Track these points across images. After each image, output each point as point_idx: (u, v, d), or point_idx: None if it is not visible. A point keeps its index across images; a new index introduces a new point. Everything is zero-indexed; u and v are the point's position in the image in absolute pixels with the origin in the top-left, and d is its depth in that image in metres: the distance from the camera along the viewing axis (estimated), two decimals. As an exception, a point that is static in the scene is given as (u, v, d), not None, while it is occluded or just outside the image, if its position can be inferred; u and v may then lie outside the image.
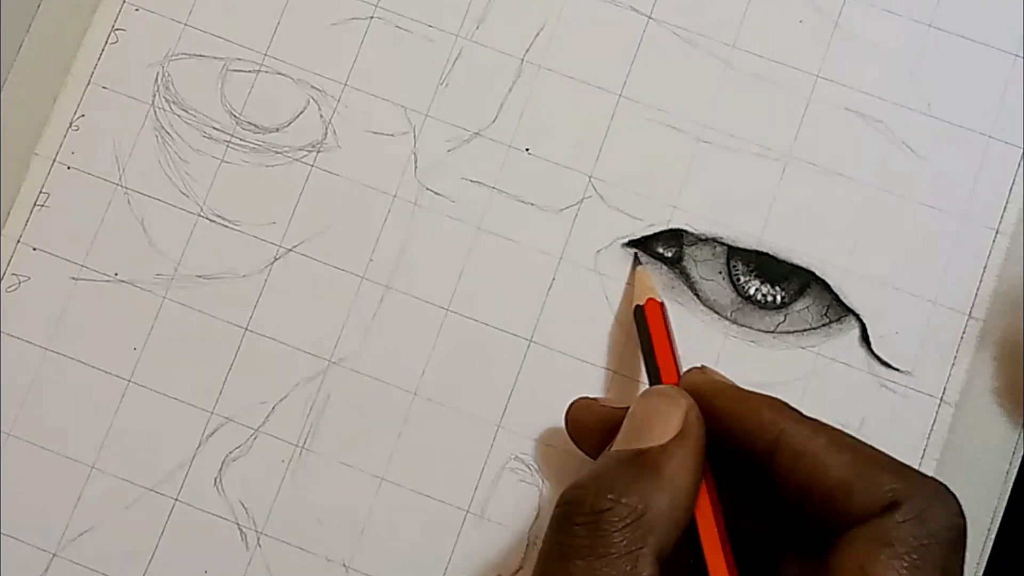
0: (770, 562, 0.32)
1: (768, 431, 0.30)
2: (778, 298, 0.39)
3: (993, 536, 0.38)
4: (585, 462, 0.37)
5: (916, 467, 0.31)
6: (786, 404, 0.31)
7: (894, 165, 0.39)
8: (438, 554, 0.38)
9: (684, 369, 0.35)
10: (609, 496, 0.29)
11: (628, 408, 0.34)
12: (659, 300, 0.37)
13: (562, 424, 0.38)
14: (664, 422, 0.31)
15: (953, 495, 0.29)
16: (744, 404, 0.32)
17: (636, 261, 0.39)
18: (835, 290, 0.39)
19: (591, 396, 0.37)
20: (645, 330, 0.36)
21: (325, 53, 0.40)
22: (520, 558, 0.38)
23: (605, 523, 0.29)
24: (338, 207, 0.40)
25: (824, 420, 0.37)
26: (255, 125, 0.40)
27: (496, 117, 0.40)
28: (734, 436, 0.31)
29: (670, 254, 0.39)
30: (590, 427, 0.36)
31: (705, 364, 0.34)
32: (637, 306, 0.37)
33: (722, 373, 0.34)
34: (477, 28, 0.40)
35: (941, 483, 0.30)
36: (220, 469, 0.39)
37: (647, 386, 0.35)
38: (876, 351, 0.38)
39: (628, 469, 0.30)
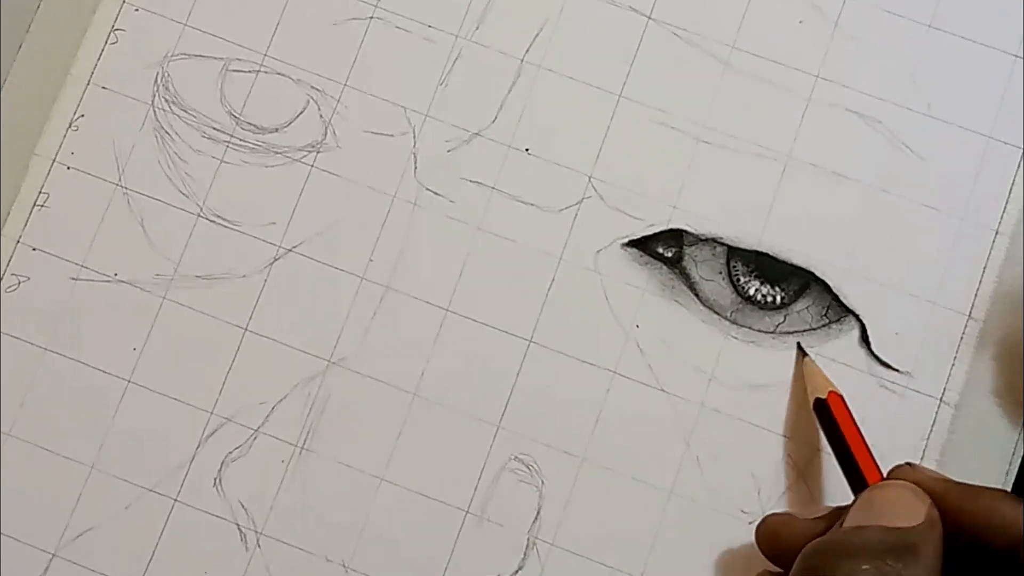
0: None
1: (1010, 528, 0.31)
2: (778, 298, 0.39)
3: (993, 536, 0.38)
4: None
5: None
6: (1019, 498, 0.31)
7: (894, 165, 0.39)
8: (438, 554, 0.38)
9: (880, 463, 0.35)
10: (867, 561, 0.29)
11: (828, 520, 0.34)
12: (839, 392, 0.37)
13: (562, 423, 0.38)
14: (910, 509, 0.31)
15: None
16: (977, 501, 0.32)
17: (801, 352, 0.38)
18: (835, 291, 0.39)
19: (783, 512, 0.36)
20: (833, 424, 0.36)
21: (325, 53, 0.40)
22: (519, 559, 0.38)
23: None
24: (338, 207, 0.40)
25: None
26: (255, 125, 0.40)
27: (496, 117, 0.40)
28: (967, 534, 0.31)
29: (670, 254, 0.39)
30: (792, 541, 0.34)
31: (911, 461, 0.34)
32: (819, 399, 0.37)
33: (932, 469, 0.34)
34: (477, 28, 0.40)
35: None
36: (220, 469, 0.39)
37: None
38: (876, 352, 0.38)
39: (883, 540, 0.30)
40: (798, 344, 0.38)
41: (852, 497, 0.34)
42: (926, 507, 0.31)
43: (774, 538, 0.35)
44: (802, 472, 0.38)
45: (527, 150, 0.40)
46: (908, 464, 0.34)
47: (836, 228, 0.39)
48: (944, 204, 0.39)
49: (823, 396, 0.36)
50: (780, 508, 0.38)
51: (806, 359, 0.38)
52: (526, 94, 0.40)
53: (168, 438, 0.39)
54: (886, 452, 0.36)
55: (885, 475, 0.34)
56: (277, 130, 0.40)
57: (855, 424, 0.36)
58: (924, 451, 0.38)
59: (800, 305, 0.39)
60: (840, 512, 0.34)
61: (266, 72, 0.40)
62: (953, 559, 0.32)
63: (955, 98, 0.39)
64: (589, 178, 0.39)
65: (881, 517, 0.31)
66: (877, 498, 0.33)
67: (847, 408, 0.36)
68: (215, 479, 0.39)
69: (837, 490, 0.37)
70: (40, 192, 0.40)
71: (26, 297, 0.40)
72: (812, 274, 0.39)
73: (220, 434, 0.39)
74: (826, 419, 0.36)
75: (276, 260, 0.39)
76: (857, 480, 0.35)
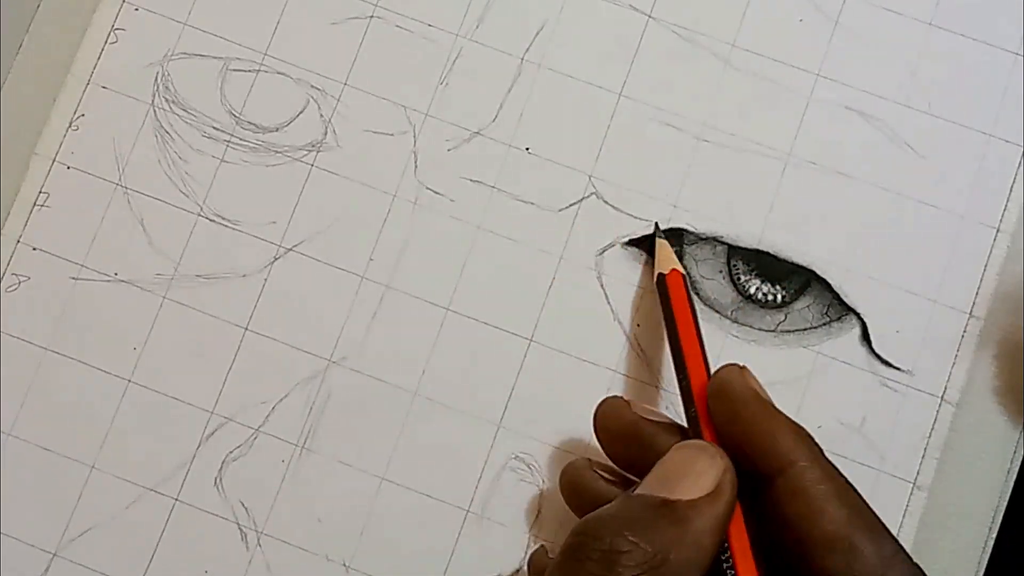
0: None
1: (778, 458, 0.30)
2: (779, 297, 0.39)
3: (994, 536, 0.38)
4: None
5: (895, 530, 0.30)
6: (809, 437, 0.31)
7: (894, 164, 0.39)
8: (438, 554, 0.38)
9: (705, 341, 0.35)
10: (629, 537, 0.29)
11: (656, 418, 0.34)
12: (681, 271, 0.36)
13: (562, 423, 0.38)
14: (698, 477, 0.30)
15: None
16: (766, 423, 0.31)
17: (656, 230, 0.39)
18: (836, 289, 0.39)
19: (621, 397, 0.36)
20: (667, 301, 0.36)
21: (325, 53, 0.40)
22: (520, 558, 0.38)
23: (620, 563, 0.28)
24: (338, 207, 0.40)
25: (825, 419, 0.37)
26: (255, 125, 0.40)
27: (496, 116, 0.40)
28: (745, 450, 0.31)
29: (670, 253, 0.39)
30: (617, 432, 0.35)
31: (746, 366, 0.33)
32: (660, 274, 0.37)
33: (759, 381, 0.33)
34: (477, 27, 0.40)
35: (922, 572, 0.29)
36: (220, 469, 0.39)
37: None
38: (877, 350, 0.38)
39: (654, 515, 0.30)
40: (655, 224, 0.39)
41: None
42: (718, 474, 0.30)
43: (604, 423, 0.35)
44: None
45: (527, 149, 0.40)
46: (739, 365, 0.33)
47: (837, 226, 0.39)
48: (945, 202, 0.39)
49: (665, 272, 0.36)
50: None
51: (659, 240, 0.38)
52: (526, 93, 0.40)
53: (168, 438, 0.39)
54: (887, 450, 0.36)
55: (713, 370, 0.34)
56: (277, 129, 0.40)
57: (690, 306, 0.36)
58: (925, 449, 0.38)
59: (801, 304, 0.39)
60: (670, 427, 0.34)
61: (266, 71, 0.40)
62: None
63: (955, 96, 0.39)
64: (589, 177, 0.39)
65: (666, 485, 0.30)
66: (669, 461, 0.31)
67: (686, 289, 0.36)
68: (216, 479, 0.39)
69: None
70: (40, 192, 0.40)
71: (26, 297, 0.40)
72: (813, 272, 0.39)
73: (220, 434, 0.39)
74: (664, 298, 0.36)
75: (276, 259, 0.39)
76: (680, 368, 0.34)
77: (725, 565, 0.30)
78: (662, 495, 0.30)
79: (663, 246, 0.38)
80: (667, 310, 0.36)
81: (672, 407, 0.38)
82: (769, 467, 0.30)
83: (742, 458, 0.31)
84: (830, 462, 0.31)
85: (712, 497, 0.30)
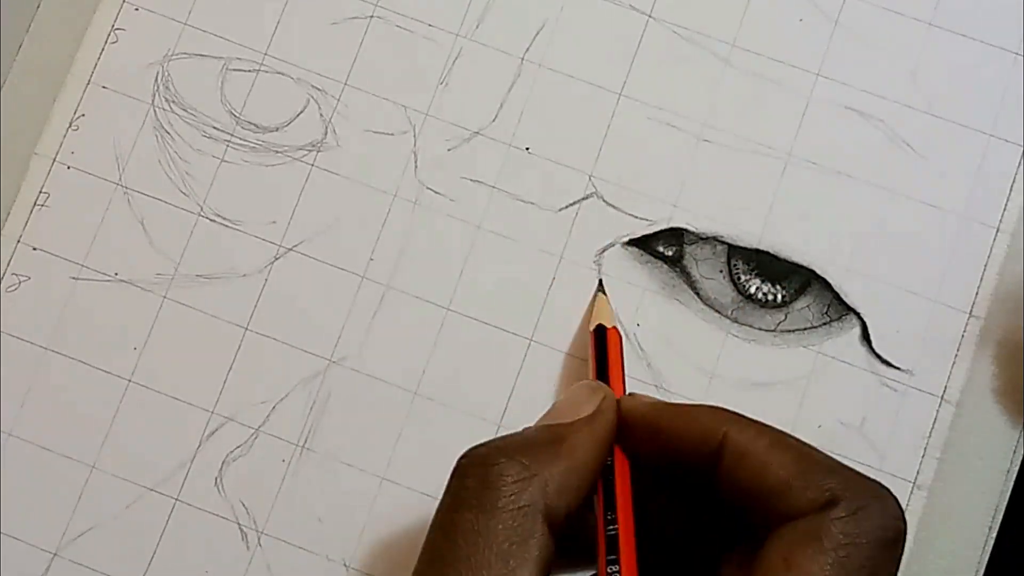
0: (714, 566, 0.32)
1: (712, 436, 0.31)
2: (779, 297, 0.39)
3: (994, 536, 0.38)
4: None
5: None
6: (728, 409, 0.32)
7: (895, 163, 0.39)
8: (439, 553, 0.38)
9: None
10: (503, 455, 0.30)
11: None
12: (619, 332, 0.37)
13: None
14: (580, 406, 0.32)
15: (894, 498, 0.29)
16: (686, 415, 0.32)
17: (600, 288, 0.39)
18: (836, 289, 0.39)
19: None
20: (603, 351, 0.36)
21: (325, 52, 0.40)
22: (521, 557, 0.38)
23: (495, 476, 0.29)
24: (338, 206, 0.40)
25: (825, 419, 0.37)
26: (255, 124, 0.40)
27: (496, 116, 0.40)
28: (679, 448, 0.31)
29: (671, 253, 0.39)
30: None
31: (633, 391, 0.35)
32: (600, 325, 0.37)
33: (652, 397, 0.34)
34: (477, 27, 0.40)
35: (882, 485, 0.30)
36: (221, 469, 0.39)
37: None
38: (877, 349, 0.38)
39: (531, 438, 0.31)
40: (599, 282, 0.39)
41: None
42: (597, 401, 0.32)
43: None
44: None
45: (527, 149, 0.40)
46: (629, 395, 0.34)
47: (837, 226, 0.39)
48: (945, 202, 0.39)
49: (607, 325, 0.37)
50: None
51: (600, 296, 0.39)
52: (526, 93, 0.40)
53: (169, 437, 0.39)
54: (887, 449, 0.36)
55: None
56: (277, 129, 0.40)
57: (622, 360, 0.36)
58: (925, 449, 0.38)
59: (801, 303, 0.39)
60: None
61: (266, 71, 0.40)
62: (670, 476, 0.32)
63: (956, 96, 0.39)
64: (589, 177, 0.39)
65: (550, 417, 0.32)
66: (558, 400, 0.33)
67: (620, 347, 0.37)
68: (216, 478, 0.39)
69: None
70: (40, 192, 0.40)
71: (26, 297, 0.40)
72: (813, 272, 0.39)
73: (221, 433, 0.39)
74: (599, 348, 0.37)
75: (277, 259, 0.39)
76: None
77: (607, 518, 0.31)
78: (547, 421, 0.32)
79: (606, 301, 0.39)
80: (601, 364, 0.36)
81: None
82: (708, 449, 0.31)
83: (682, 459, 0.31)
84: (758, 421, 0.31)
85: (589, 418, 0.31)
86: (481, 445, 0.31)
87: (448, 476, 0.30)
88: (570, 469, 0.30)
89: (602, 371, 0.36)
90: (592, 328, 0.37)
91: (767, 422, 0.31)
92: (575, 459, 0.30)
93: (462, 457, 0.30)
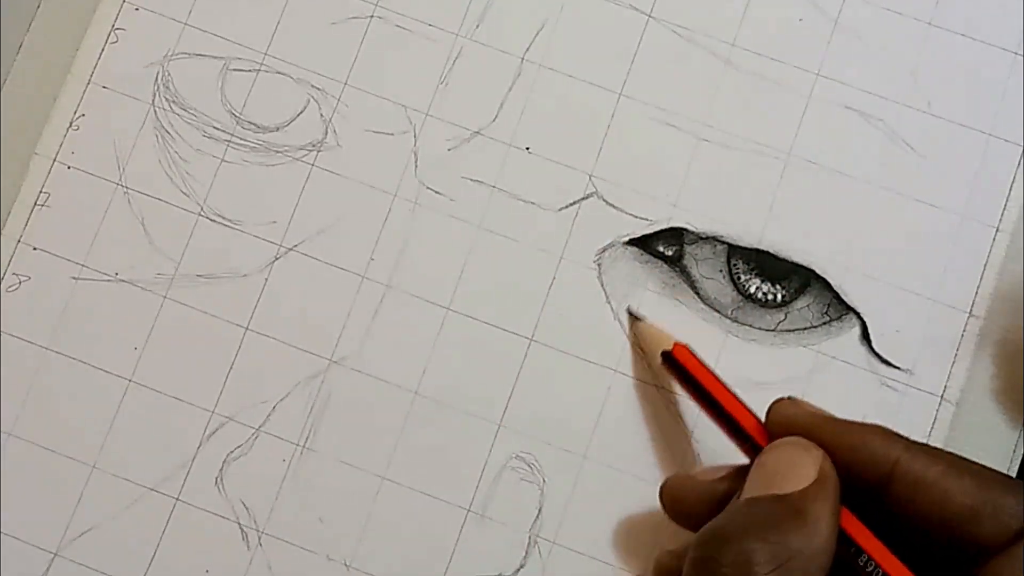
0: None
1: (881, 462, 0.30)
2: (779, 296, 0.39)
3: (994, 534, 0.38)
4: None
5: None
6: (893, 431, 0.31)
7: (894, 163, 0.39)
8: (439, 553, 0.38)
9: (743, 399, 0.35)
10: (755, 538, 0.29)
11: (724, 472, 0.34)
12: (683, 343, 0.37)
13: (562, 423, 0.38)
14: (800, 469, 0.31)
15: None
16: (851, 436, 0.31)
17: (634, 317, 0.39)
18: (835, 288, 0.39)
19: (678, 475, 0.36)
20: (686, 374, 0.36)
21: (325, 52, 0.40)
22: (521, 557, 0.38)
23: (753, 565, 0.28)
24: (338, 206, 0.40)
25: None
26: (255, 124, 0.40)
27: (496, 116, 0.40)
28: (845, 466, 0.31)
29: (671, 253, 0.39)
30: (692, 504, 0.35)
31: (792, 395, 0.34)
32: (666, 352, 0.37)
33: (810, 403, 0.34)
34: (477, 27, 0.40)
35: None
36: (221, 468, 0.39)
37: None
38: (877, 349, 0.38)
39: (771, 512, 0.30)
40: (628, 311, 0.39)
41: (733, 446, 0.35)
42: (817, 463, 0.31)
43: (677, 500, 0.35)
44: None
45: (528, 149, 0.40)
46: (789, 399, 0.34)
47: (837, 226, 0.39)
48: (944, 201, 0.39)
49: (669, 348, 0.36)
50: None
51: (641, 322, 0.38)
52: (526, 93, 0.40)
53: (169, 437, 0.39)
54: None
55: (767, 411, 0.34)
56: (278, 129, 0.40)
57: (710, 370, 0.36)
58: (925, 448, 0.38)
59: (801, 303, 0.39)
60: (741, 470, 0.34)
61: (266, 71, 0.40)
62: None
63: (955, 95, 0.39)
64: (589, 177, 0.39)
65: (772, 484, 0.31)
66: (768, 462, 0.32)
67: (696, 356, 0.36)
68: (216, 478, 0.39)
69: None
70: (41, 192, 0.40)
71: (27, 297, 0.40)
72: (813, 272, 0.39)
73: (221, 433, 0.39)
74: (679, 372, 0.36)
75: (277, 259, 0.39)
76: (731, 427, 0.35)
77: (867, 569, 0.30)
78: (772, 492, 0.31)
79: (649, 326, 0.38)
80: (689, 381, 0.36)
81: (671, 406, 0.38)
82: (875, 475, 0.31)
83: (849, 478, 0.31)
84: (925, 444, 0.31)
85: (819, 483, 0.30)
86: (718, 526, 0.30)
87: (694, 561, 0.30)
88: (819, 547, 0.29)
89: (702, 393, 0.36)
90: (660, 361, 0.37)
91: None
92: (821, 534, 0.30)
93: (705, 543, 0.30)
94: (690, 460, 0.38)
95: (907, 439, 0.31)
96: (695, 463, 0.38)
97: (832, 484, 0.31)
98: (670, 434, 0.38)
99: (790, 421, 0.33)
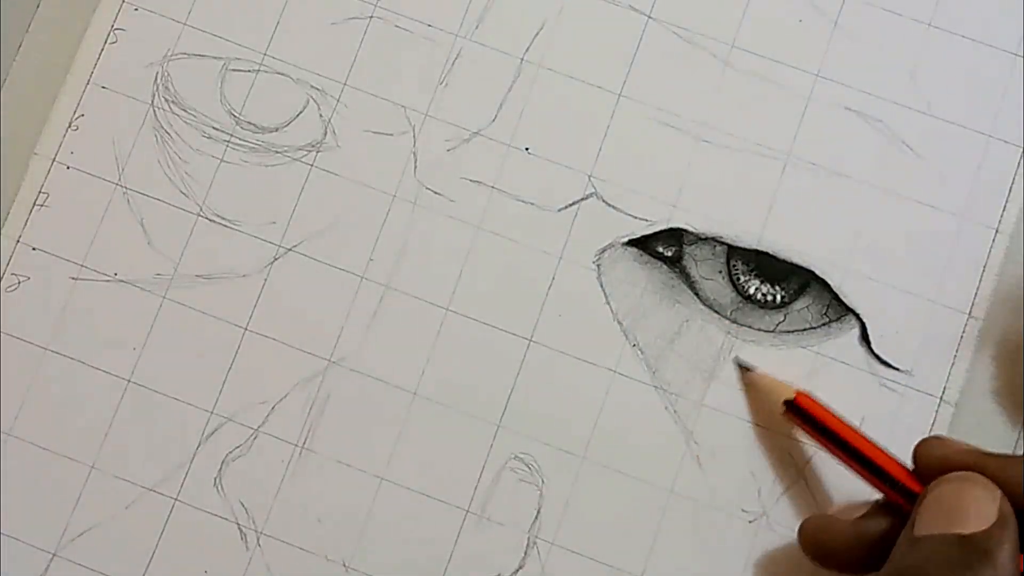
0: None
1: None
2: (778, 297, 0.39)
3: (993, 535, 0.38)
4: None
5: None
6: None
7: (894, 164, 0.39)
8: (438, 554, 0.38)
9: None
10: None
11: (866, 509, 0.34)
12: (804, 391, 0.37)
13: (562, 423, 0.38)
14: (981, 507, 0.30)
15: None
16: (1009, 470, 0.31)
17: (743, 368, 0.38)
18: (835, 289, 0.39)
19: (819, 515, 0.36)
20: (814, 421, 0.36)
21: (325, 53, 0.40)
22: (520, 557, 0.38)
23: None
24: (338, 207, 0.40)
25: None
26: (255, 125, 0.40)
27: (496, 116, 0.40)
28: (1012, 500, 0.31)
29: (670, 253, 0.39)
30: (838, 544, 0.34)
31: (938, 434, 0.34)
32: (786, 401, 0.37)
33: (955, 439, 0.33)
34: (477, 28, 0.40)
35: None
36: (220, 469, 0.39)
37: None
38: (876, 350, 0.38)
39: (960, 553, 0.30)
40: (736, 361, 0.38)
41: (865, 488, 0.35)
42: (997, 502, 0.30)
43: (819, 544, 0.35)
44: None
45: (527, 149, 0.40)
46: (935, 438, 0.33)
47: (836, 227, 0.39)
48: (944, 203, 0.39)
49: (790, 397, 0.37)
50: (782, 507, 0.38)
51: (750, 373, 0.38)
52: (526, 93, 0.40)
53: (168, 437, 0.39)
54: (886, 449, 0.36)
55: (912, 451, 0.34)
56: (277, 129, 0.40)
57: (838, 416, 0.36)
58: (924, 450, 0.38)
59: (800, 304, 0.39)
60: (881, 508, 0.34)
61: (266, 72, 0.40)
62: None
63: (955, 97, 0.39)
64: (589, 177, 0.39)
65: (952, 523, 0.30)
66: (946, 498, 0.31)
67: (820, 403, 0.36)
68: (215, 479, 0.39)
69: (839, 482, 0.37)
70: (40, 192, 0.40)
71: (26, 297, 0.40)
72: (812, 273, 0.39)
73: (220, 434, 0.39)
74: (805, 419, 0.36)
75: (276, 259, 0.39)
76: (871, 470, 0.35)
77: None
78: (955, 531, 0.30)
79: (763, 376, 0.38)
80: (818, 428, 0.36)
81: (671, 406, 0.38)
82: None
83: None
84: None
85: (1001, 523, 0.30)
86: (912, 568, 0.30)
87: None
88: None
89: (835, 440, 0.36)
90: (782, 410, 0.37)
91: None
92: (1008, 570, 0.29)
93: None
94: (690, 460, 0.38)
95: None
96: (695, 463, 0.38)
97: (1013, 524, 0.30)
98: (669, 435, 0.38)
99: (944, 462, 0.32)
